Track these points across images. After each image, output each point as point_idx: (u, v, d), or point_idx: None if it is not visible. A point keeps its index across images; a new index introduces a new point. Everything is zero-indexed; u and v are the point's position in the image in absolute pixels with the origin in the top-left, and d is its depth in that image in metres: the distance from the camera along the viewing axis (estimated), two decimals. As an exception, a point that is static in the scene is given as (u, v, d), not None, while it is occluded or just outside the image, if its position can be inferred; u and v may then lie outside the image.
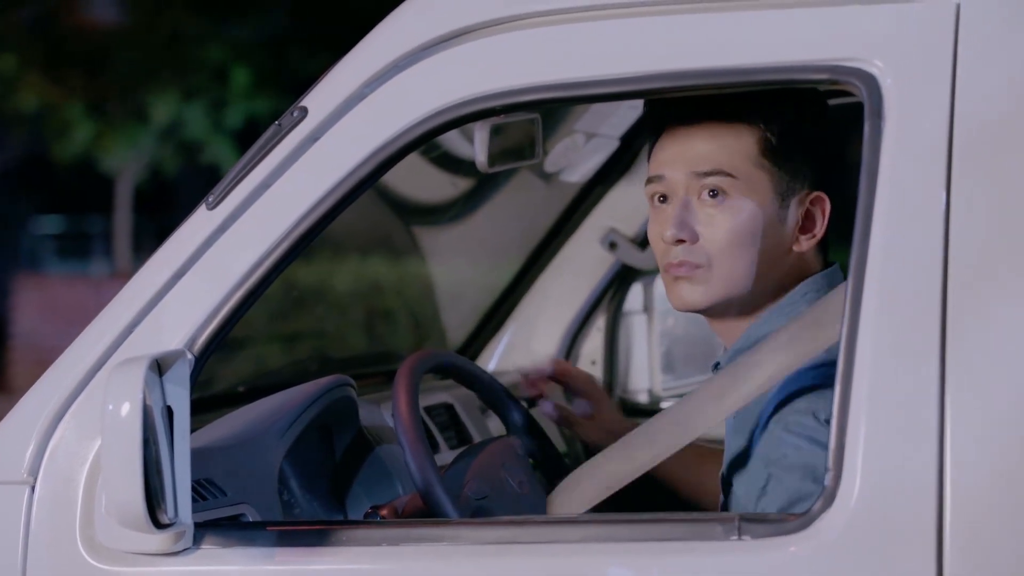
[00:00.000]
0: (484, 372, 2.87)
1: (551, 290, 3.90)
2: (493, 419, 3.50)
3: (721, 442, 2.57)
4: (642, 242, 3.80)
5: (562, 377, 2.93)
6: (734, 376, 2.34)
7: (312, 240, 2.34)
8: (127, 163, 17.33)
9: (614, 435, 2.60)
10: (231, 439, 2.59)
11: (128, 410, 2.15)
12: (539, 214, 3.88)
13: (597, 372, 3.92)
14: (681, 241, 2.46)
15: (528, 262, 3.91)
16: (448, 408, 3.50)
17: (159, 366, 2.21)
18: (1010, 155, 2.12)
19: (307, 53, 15.43)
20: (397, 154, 2.32)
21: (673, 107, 2.51)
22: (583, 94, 2.31)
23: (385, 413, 3.00)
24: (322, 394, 2.77)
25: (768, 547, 2.12)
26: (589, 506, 2.42)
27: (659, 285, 3.83)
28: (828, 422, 2.16)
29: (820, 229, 2.48)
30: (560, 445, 3.53)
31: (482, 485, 2.52)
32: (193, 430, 2.28)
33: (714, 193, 2.45)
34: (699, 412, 2.35)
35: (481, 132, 2.60)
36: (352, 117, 2.33)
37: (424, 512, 2.45)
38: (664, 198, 2.50)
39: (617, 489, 2.40)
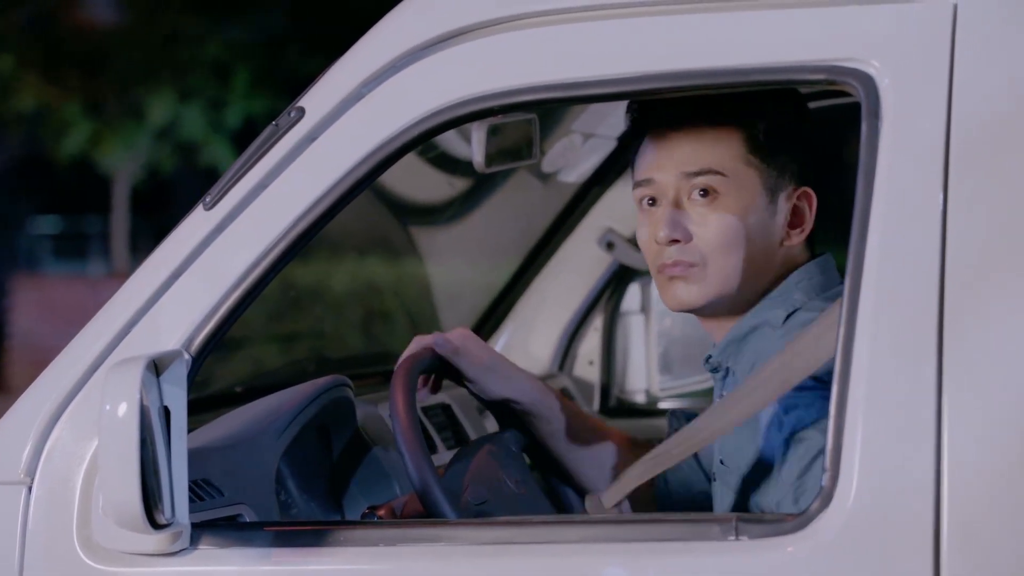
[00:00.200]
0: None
1: (548, 290, 3.91)
2: (490, 419, 3.50)
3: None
4: (640, 242, 3.80)
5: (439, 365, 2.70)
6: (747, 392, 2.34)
7: (309, 240, 2.33)
8: (124, 163, 17.33)
9: (510, 378, 2.64)
10: (228, 439, 2.58)
11: (125, 410, 2.15)
12: (536, 214, 3.88)
13: (594, 372, 3.92)
14: (675, 241, 2.47)
15: (525, 262, 3.91)
16: (445, 408, 3.50)
17: (156, 366, 2.21)
18: (1008, 155, 2.12)
19: (305, 53, 15.43)
20: (395, 154, 2.31)
21: (657, 109, 2.53)
22: (581, 94, 2.31)
23: (383, 413, 3.00)
24: (319, 394, 2.77)
25: (765, 547, 2.12)
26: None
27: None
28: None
29: (808, 223, 2.51)
30: None
31: (481, 489, 2.51)
32: (190, 430, 2.28)
33: (704, 192, 2.47)
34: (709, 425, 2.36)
35: (479, 132, 2.61)
36: (350, 117, 2.33)
37: (421, 512, 2.45)
38: (653, 200, 2.52)
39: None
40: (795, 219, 2.51)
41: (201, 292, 2.33)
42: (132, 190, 18.66)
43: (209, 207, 2.35)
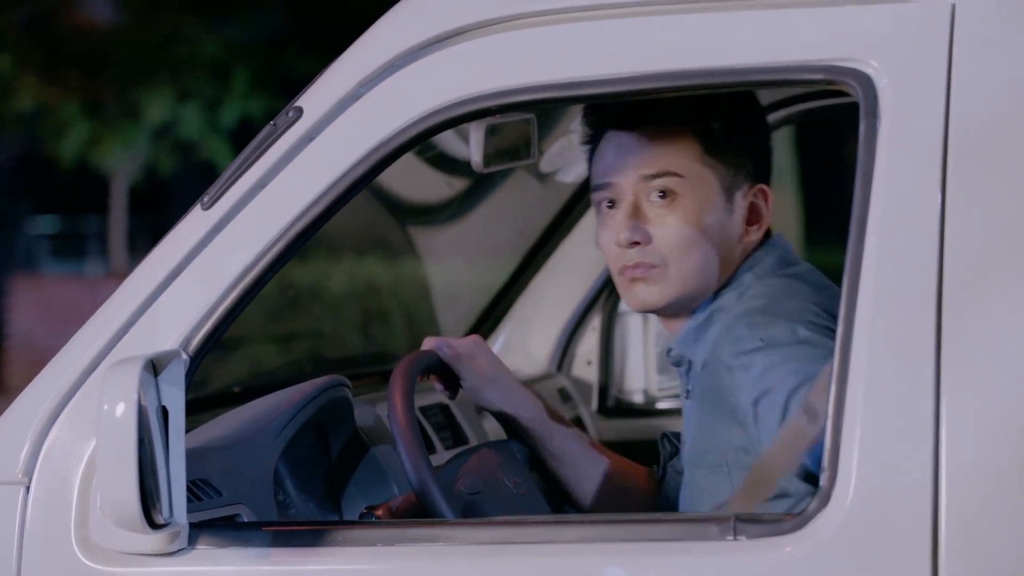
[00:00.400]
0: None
1: (547, 290, 3.90)
2: (489, 420, 3.50)
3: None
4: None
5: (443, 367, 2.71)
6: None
7: (307, 240, 2.33)
8: (123, 163, 17.32)
9: (510, 393, 2.64)
10: (226, 439, 2.58)
11: (123, 410, 2.15)
12: (535, 214, 3.88)
13: (593, 372, 3.92)
14: (636, 243, 2.52)
15: (524, 262, 3.91)
16: (444, 408, 3.49)
17: (154, 366, 2.20)
18: (1006, 155, 2.12)
19: (302, 53, 15.42)
20: (392, 154, 2.31)
21: (613, 113, 2.57)
22: (579, 94, 2.31)
23: (381, 413, 3.00)
24: (317, 394, 2.77)
25: (764, 547, 2.12)
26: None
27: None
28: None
29: (766, 220, 2.57)
30: None
31: (475, 481, 2.52)
32: (188, 430, 2.27)
33: (663, 194, 2.52)
34: None
35: (476, 132, 2.61)
36: (347, 117, 2.33)
37: (420, 512, 2.45)
38: (612, 203, 2.56)
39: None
40: (752, 216, 2.56)
41: (199, 292, 2.33)
42: (130, 190, 18.65)
43: (207, 207, 2.35)
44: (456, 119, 2.31)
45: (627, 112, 2.55)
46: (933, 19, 2.16)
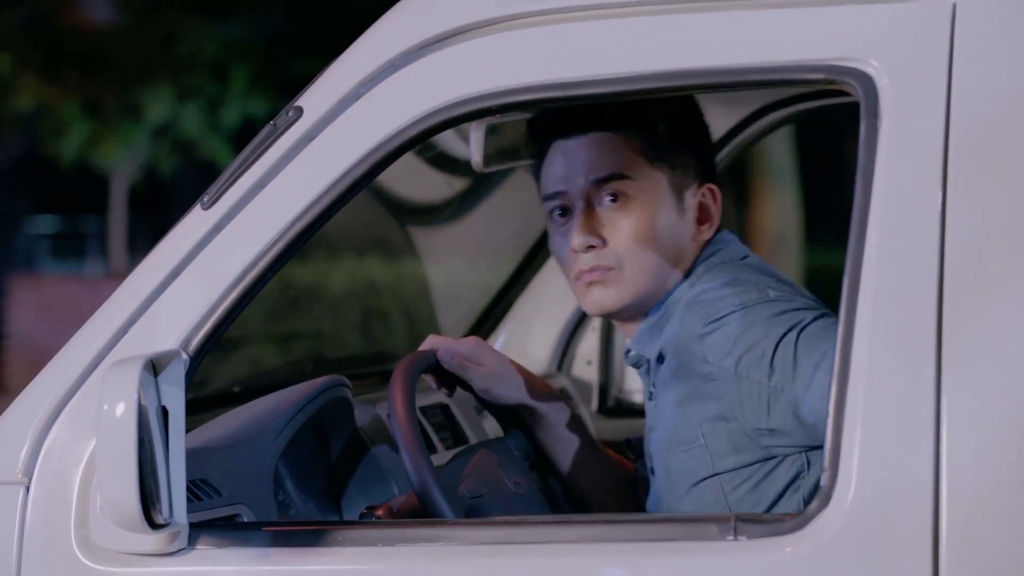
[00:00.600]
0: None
1: (547, 290, 3.90)
2: (489, 419, 3.50)
3: None
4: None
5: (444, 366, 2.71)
6: None
7: (307, 240, 2.33)
8: (122, 163, 17.32)
9: (521, 385, 2.66)
10: (226, 439, 2.58)
11: (123, 410, 2.15)
12: (534, 214, 3.87)
13: (593, 372, 3.91)
14: (591, 248, 2.55)
15: (524, 262, 3.90)
16: (444, 408, 3.49)
17: (154, 366, 2.20)
18: (1006, 155, 2.12)
19: (303, 53, 15.42)
20: (392, 154, 2.31)
21: (559, 120, 2.59)
22: (578, 94, 2.31)
23: (381, 413, 3.00)
24: (317, 394, 2.77)
25: (764, 547, 2.12)
26: None
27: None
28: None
29: (716, 218, 2.61)
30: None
31: (477, 484, 2.52)
32: (188, 430, 2.27)
33: (614, 197, 2.56)
34: None
35: (477, 132, 2.61)
36: (347, 117, 2.33)
37: (420, 512, 2.45)
38: (564, 210, 2.59)
39: None
40: (702, 215, 2.61)
41: (199, 292, 2.33)
42: (130, 190, 18.65)
43: (207, 207, 2.35)
44: (456, 119, 2.31)
45: (572, 120, 2.58)
46: (934, 19, 2.16)
